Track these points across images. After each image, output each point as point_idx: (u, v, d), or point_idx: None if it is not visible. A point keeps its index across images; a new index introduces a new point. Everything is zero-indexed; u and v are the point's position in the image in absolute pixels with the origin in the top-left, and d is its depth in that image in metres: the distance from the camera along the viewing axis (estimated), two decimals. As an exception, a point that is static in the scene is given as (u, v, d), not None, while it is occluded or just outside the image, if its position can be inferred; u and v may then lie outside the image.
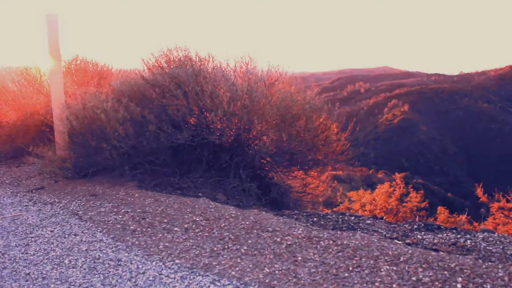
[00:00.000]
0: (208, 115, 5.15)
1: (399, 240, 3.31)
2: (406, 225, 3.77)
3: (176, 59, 5.66)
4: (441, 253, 2.97)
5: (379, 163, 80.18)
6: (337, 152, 5.63)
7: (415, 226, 3.73)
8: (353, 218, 3.99)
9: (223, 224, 3.58)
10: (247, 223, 3.59)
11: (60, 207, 4.30)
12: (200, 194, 4.63)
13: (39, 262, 3.07)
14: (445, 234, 3.43)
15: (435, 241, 3.28)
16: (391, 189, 9.71)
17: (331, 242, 3.19)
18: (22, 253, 3.24)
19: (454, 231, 3.56)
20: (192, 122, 5.36)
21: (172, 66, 5.47)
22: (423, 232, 3.51)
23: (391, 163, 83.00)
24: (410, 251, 2.98)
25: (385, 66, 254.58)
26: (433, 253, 2.96)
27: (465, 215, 6.86)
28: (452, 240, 3.25)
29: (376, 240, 3.21)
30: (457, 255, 2.91)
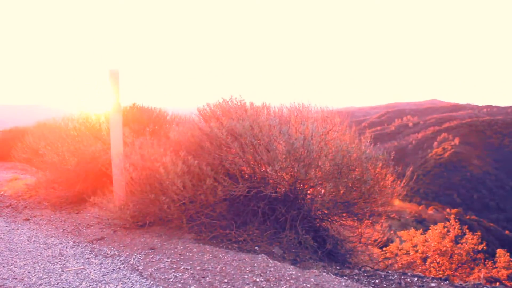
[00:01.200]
0: (263, 166, 5.18)
1: (470, 310, 3.16)
2: (475, 290, 3.59)
3: (232, 110, 5.76)
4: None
5: (429, 199, 77.76)
6: (392, 201, 5.53)
7: (485, 291, 3.55)
8: (416, 279, 3.84)
9: (284, 287, 3.53)
10: (308, 286, 3.52)
11: (121, 261, 4.38)
12: (256, 248, 4.61)
13: (104, 324, 3.12)
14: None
15: (510, 311, 3.09)
16: (445, 230, 9.32)
17: (397, 311, 3.08)
18: (87, 313, 3.30)
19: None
20: (248, 173, 5.39)
21: (227, 118, 5.57)
22: (495, 300, 3.33)
23: (442, 199, 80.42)
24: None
25: (433, 99, 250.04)
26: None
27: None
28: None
29: (445, 310, 3.07)
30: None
